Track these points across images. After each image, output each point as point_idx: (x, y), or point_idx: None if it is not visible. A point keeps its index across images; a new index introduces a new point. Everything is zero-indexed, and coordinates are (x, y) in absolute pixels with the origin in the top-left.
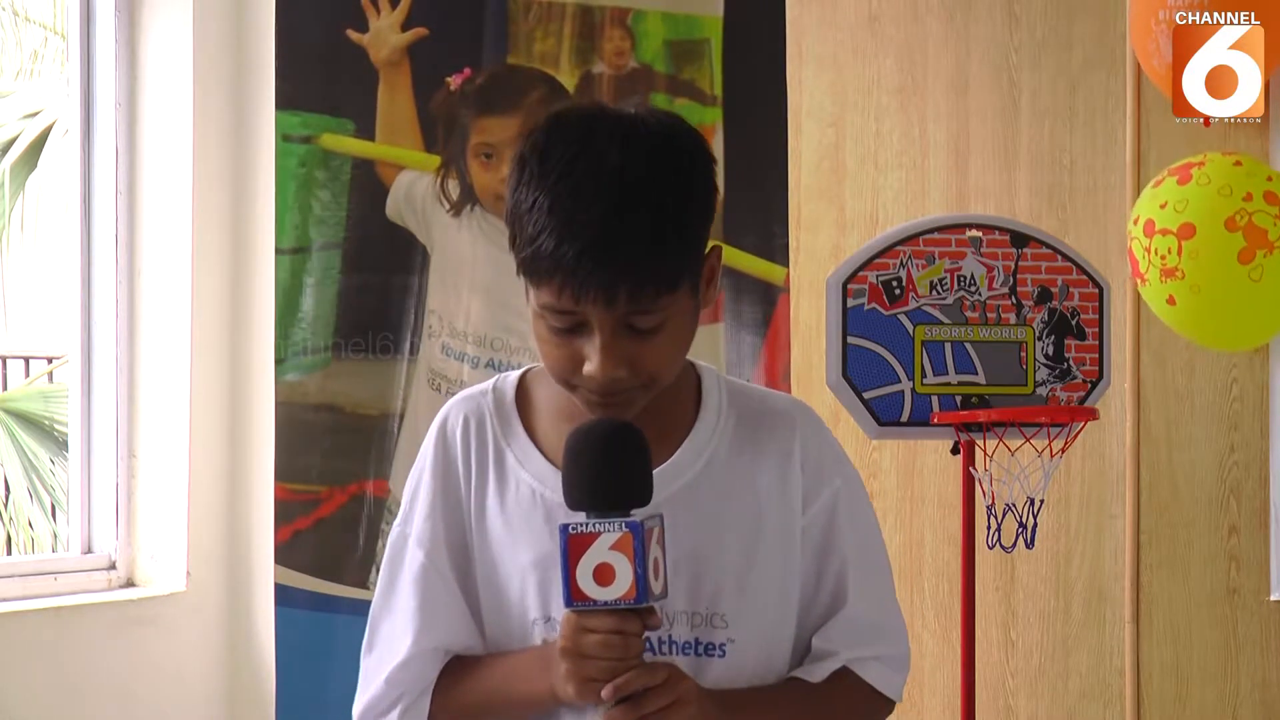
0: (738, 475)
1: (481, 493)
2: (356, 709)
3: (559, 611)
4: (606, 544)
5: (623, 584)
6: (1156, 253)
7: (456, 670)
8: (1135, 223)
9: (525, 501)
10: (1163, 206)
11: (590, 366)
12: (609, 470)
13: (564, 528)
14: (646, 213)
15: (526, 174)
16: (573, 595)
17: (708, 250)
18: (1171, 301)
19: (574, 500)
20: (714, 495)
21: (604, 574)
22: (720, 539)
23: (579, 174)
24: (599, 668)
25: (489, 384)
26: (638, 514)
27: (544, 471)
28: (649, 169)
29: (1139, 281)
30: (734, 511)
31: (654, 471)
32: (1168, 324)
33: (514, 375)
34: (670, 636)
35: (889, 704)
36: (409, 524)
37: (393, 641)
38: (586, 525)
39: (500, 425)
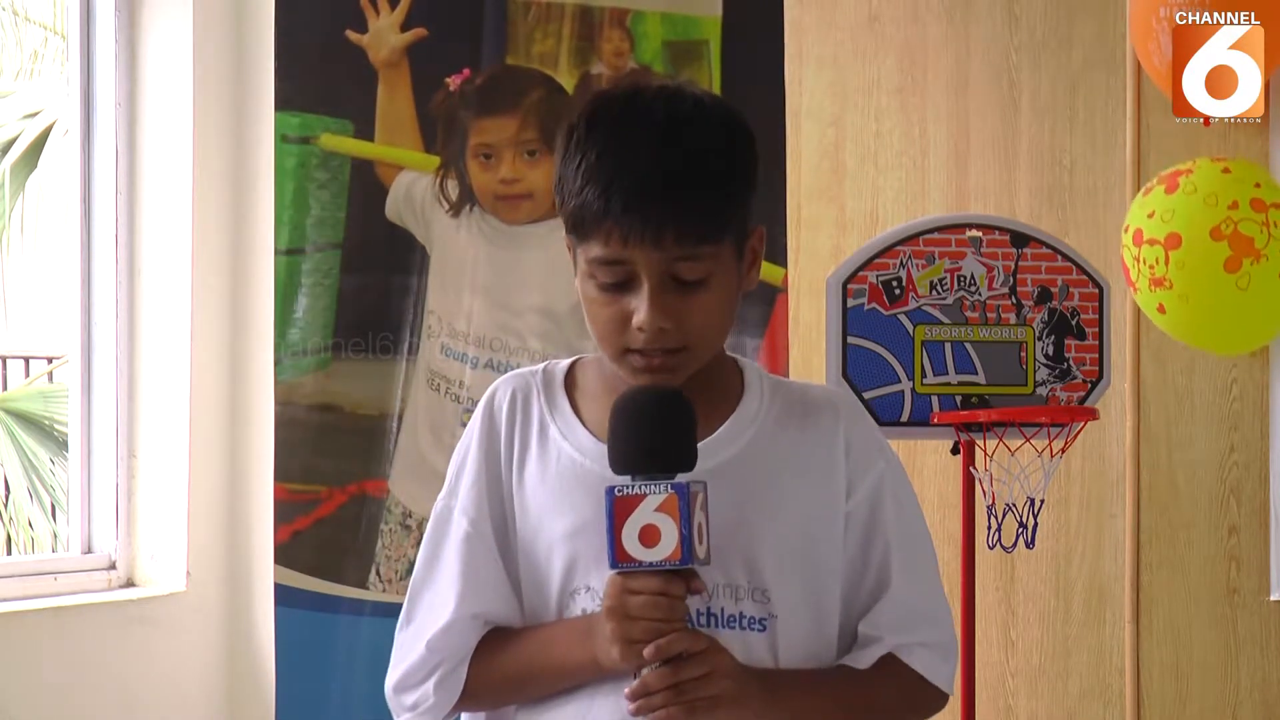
0: (781, 454)
1: (523, 463)
2: (391, 680)
3: (599, 582)
4: (652, 505)
5: (668, 545)
6: (1145, 262)
7: (494, 641)
8: (1126, 231)
9: (566, 472)
10: (1150, 216)
11: (638, 318)
12: (657, 433)
13: (610, 490)
14: (695, 157)
15: (575, 139)
16: (618, 557)
17: (751, 231)
18: (1162, 310)
19: (621, 463)
20: (757, 471)
21: (649, 535)
22: (762, 514)
23: (628, 126)
24: (643, 628)
25: (540, 365)
26: (682, 479)
27: (586, 444)
28: (694, 123)
29: (1132, 290)
30: (777, 489)
31: (699, 444)
32: (1162, 330)
33: (565, 361)
34: (709, 609)
35: (940, 695)
36: (454, 496)
37: (434, 608)
38: (632, 487)
39: (547, 400)
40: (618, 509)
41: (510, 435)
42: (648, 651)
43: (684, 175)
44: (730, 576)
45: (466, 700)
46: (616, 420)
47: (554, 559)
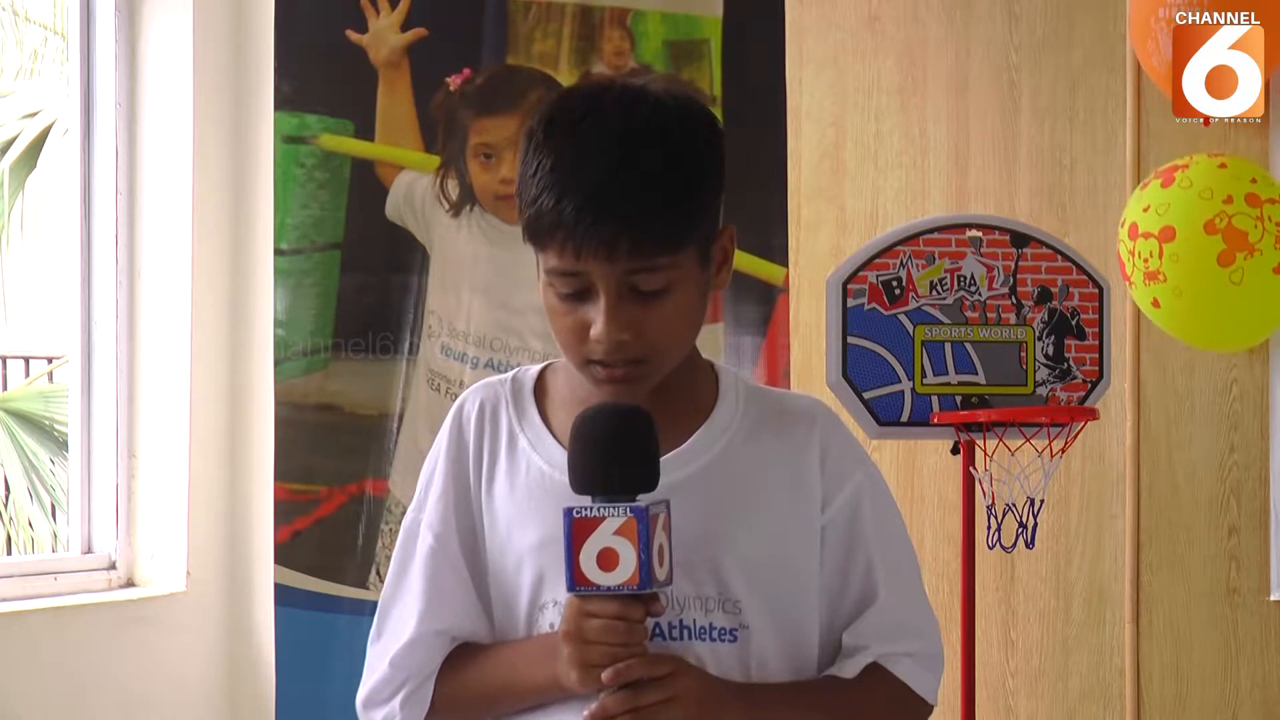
0: (753, 464)
1: (492, 475)
2: (360, 696)
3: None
4: (611, 529)
5: (626, 570)
6: (1139, 256)
7: (461, 658)
8: (1122, 225)
9: (535, 484)
10: (1145, 210)
11: (595, 329)
12: (616, 455)
13: (568, 511)
14: (649, 168)
15: (533, 143)
16: (575, 580)
17: (720, 230)
18: (1156, 304)
19: (580, 484)
20: (728, 481)
21: (608, 559)
22: (733, 525)
23: (583, 134)
24: (601, 653)
25: (509, 374)
26: (643, 500)
27: (556, 455)
28: (653, 128)
29: (1127, 284)
30: (748, 499)
31: (669, 455)
32: (1157, 325)
33: (535, 367)
34: (681, 620)
35: (926, 706)
36: (421, 510)
37: (399, 624)
38: (591, 509)
39: (515, 410)
40: (576, 531)
41: (479, 447)
42: (605, 676)
43: (639, 186)
44: (700, 588)
45: (434, 717)
46: (575, 440)
47: (523, 572)
